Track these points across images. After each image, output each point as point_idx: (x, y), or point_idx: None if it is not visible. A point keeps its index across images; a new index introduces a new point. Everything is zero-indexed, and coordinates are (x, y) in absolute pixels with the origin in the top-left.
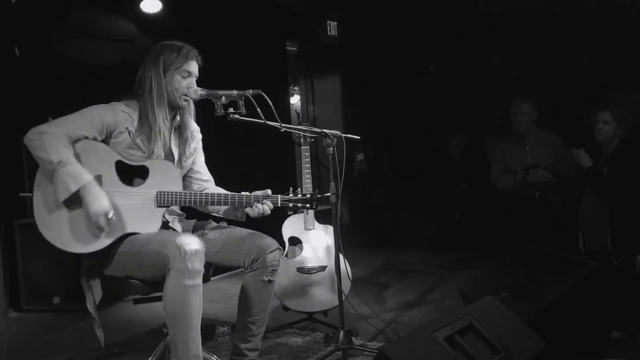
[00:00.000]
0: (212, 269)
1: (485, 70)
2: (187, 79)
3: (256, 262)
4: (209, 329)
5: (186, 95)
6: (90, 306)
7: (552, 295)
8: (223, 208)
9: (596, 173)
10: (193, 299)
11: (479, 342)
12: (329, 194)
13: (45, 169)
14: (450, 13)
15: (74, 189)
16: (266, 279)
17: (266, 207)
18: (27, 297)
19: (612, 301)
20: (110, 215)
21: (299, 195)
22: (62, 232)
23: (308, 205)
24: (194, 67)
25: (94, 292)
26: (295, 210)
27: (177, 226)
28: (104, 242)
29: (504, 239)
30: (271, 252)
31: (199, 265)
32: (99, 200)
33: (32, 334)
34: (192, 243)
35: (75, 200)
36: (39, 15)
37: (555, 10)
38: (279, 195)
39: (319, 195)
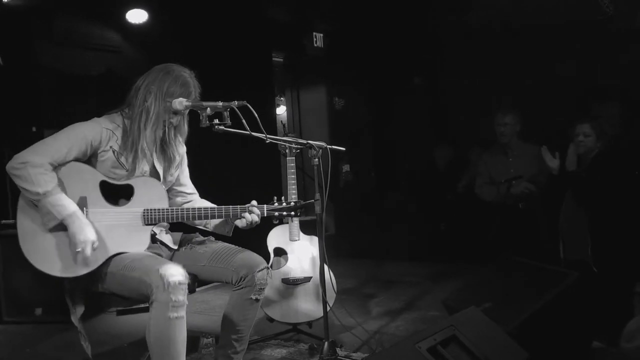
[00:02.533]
0: (197, 282)
1: (469, 82)
2: (169, 112)
3: (244, 279)
4: (192, 341)
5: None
6: (74, 319)
7: (534, 306)
8: (213, 222)
9: (576, 177)
10: (178, 331)
11: (462, 353)
12: (313, 200)
13: (30, 198)
14: (435, 26)
15: (59, 218)
16: (253, 297)
17: (255, 217)
18: (8, 308)
19: (594, 311)
20: (95, 246)
21: (284, 204)
22: (48, 257)
23: (293, 213)
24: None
25: (77, 307)
26: (281, 219)
27: (165, 237)
28: (90, 267)
29: (488, 250)
30: (260, 270)
31: (182, 297)
32: (85, 231)
33: (13, 346)
34: (176, 275)
35: (60, 227)
36: (23, 24)
37: (538, 23)
38: (265, 205)
39: (303, 202)
